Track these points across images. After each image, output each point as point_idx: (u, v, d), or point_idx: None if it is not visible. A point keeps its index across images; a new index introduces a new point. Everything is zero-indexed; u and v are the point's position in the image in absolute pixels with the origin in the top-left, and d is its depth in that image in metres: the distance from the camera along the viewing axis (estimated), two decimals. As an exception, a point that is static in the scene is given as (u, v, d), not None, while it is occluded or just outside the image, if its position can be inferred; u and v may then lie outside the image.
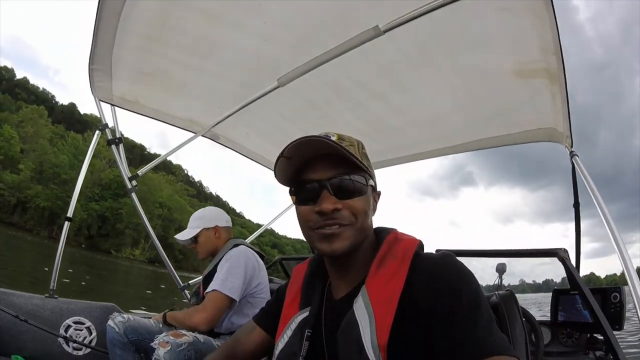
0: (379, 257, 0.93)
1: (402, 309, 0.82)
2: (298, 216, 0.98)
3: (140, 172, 2.96)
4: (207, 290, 2.07)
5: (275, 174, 0.98)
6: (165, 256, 3.19)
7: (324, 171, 0.93)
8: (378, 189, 1.05)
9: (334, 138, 0.94)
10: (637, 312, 1.51)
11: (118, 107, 2.76)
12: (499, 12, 1.89)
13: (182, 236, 2.39)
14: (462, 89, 2.53)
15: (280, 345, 1.02)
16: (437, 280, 0.84)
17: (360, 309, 0.87)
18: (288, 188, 1.00)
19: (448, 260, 0.88)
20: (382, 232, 1.01)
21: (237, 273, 2.10)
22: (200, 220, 2.41)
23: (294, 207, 1.02)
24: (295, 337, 0.99)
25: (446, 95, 2.63)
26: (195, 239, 2.38)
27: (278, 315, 1.10)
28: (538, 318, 1.96)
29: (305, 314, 1.02)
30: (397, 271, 0.88)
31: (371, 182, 0.98)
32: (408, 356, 0.80)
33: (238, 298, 2.07)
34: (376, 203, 1.04)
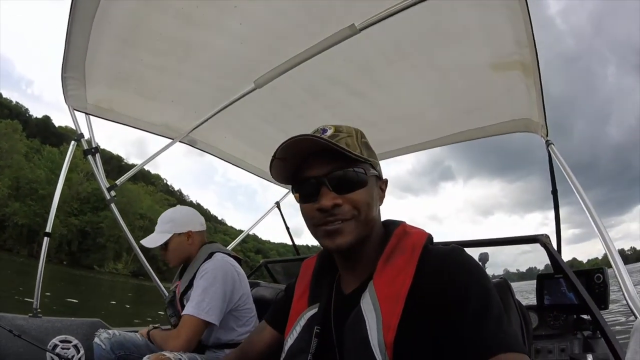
0: (387, 252, 0.92)
1: (409, 306, 0.81)
2: (302, 214, 0.97)
3: (118, 182, 2.89)
4: (182, 312, 1.92)
5: (271, 174, 0.97)
6: (150, 268, 3.10)
7: (322, 167, 0.91)
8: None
9: (330, 130, 0.94)
10: (622, 291, 1.55)
11: (93, 115, 2.69)
12: (474, 7, 1.94)
13: (151, 242, 2.17)
14: (440, 83, 2.57)
15: (289, 341, 1.01)
16: (446, 274, 0.82)
17: (367, 306, 0.86)
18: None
19: (457, 254, 0.87)
20: (390, 225, 1.00)
21: (214, 292, 1.93)
22: (170, 224, 2.18)
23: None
24: (304, 334, 0.98)
25: (424, 91, 2.66)
26: (165, 245, 2.15)
27: (288, 313, 1.09)
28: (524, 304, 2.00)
29: (314, 310, 1.01)
30: (405, 266, 0.87)
31: (373, 171, 0.96)
32: (415, 353, 0.79)
33: (217, 321, 1.92)
34: (383, 192, 1.02)
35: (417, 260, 0.87)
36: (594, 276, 2.10)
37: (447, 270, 0.83)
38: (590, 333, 2.12)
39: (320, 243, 0.96)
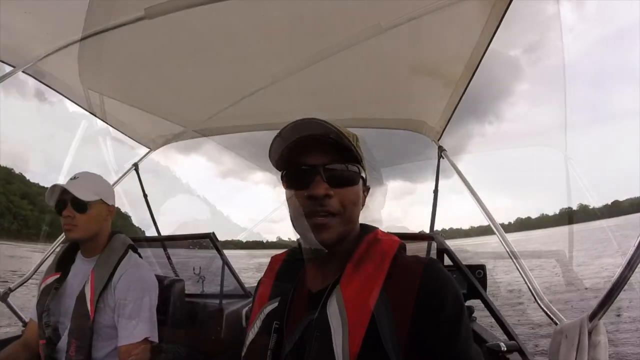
0: (355, 257, 0.91)
1: (377, 316, 0.79)
2: (288, 201, 0.95)
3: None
4: (129, 341, 1.64)
5: (269, 154, 0.96)
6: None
7: (319, 156, 0.91)
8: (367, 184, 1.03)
9: None
10: (537, 302, 1.69)
11: (106, 96, 2.56)
12: (446, 8, 1.84)
13: (78, 191, 1.74)
14: (365, 69, 2.53)
15: (250, 336, 0.99)
16: (418, 287, 0.81)
17: (334, 312, 0.83)
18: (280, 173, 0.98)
19: (431, 267, 0.86)
20: (364, 230, 1.00)
21: (154, 306, 1.78)
22: (101, 188, 1.88)
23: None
24: (264, 329, 0.97)
25: (349, 71, 2.56)
26: (84, 207, 1.77)
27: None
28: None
29: (274, 304, 0.99)
30: (374, 274, 0.86)
31: (363, 174, 0.97)
32: None
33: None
34: (365, 198, 1.01)
35: (387, 270, 0.86)
36: (475, 271, 2.31)
37: (419, 283, 0.82)
38: (474, 317, 2.43)
39: (302, 236, 0.94)
